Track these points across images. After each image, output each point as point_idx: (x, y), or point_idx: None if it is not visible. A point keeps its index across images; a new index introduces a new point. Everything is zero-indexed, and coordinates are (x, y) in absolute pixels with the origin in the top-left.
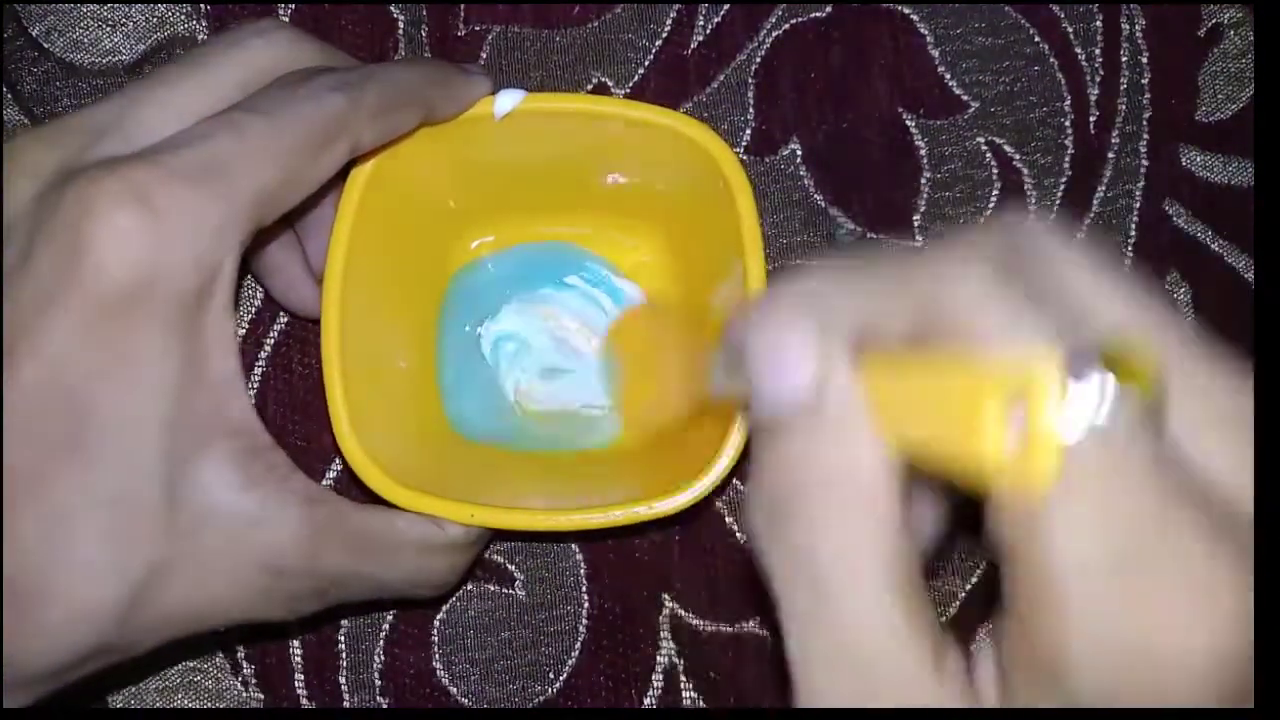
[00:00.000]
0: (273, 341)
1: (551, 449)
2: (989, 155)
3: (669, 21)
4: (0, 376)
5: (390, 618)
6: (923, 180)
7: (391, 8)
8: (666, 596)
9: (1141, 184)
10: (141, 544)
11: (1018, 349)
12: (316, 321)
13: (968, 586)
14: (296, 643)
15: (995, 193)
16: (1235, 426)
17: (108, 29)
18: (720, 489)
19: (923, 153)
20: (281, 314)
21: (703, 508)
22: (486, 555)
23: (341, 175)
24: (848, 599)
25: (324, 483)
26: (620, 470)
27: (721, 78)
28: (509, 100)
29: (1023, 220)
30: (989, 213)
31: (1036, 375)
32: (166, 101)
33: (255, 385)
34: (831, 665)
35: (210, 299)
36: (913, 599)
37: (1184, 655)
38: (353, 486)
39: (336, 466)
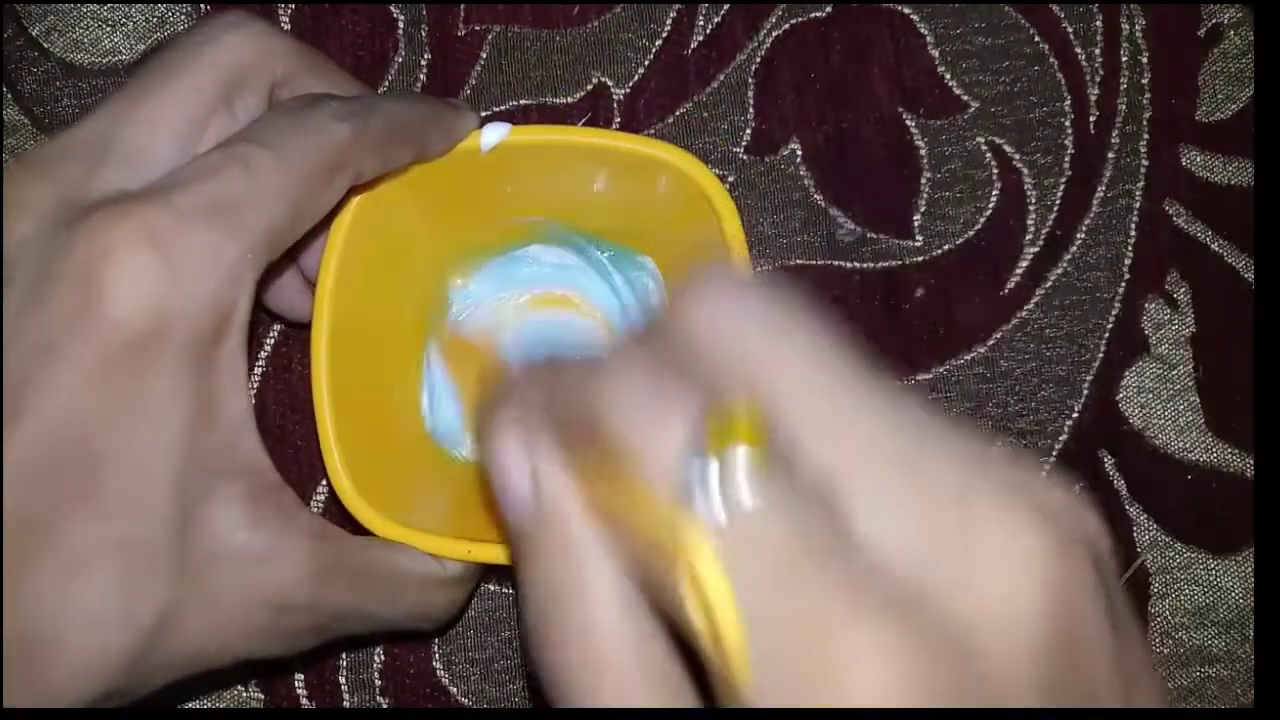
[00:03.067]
0: (273, 341)
1: None
2: (989, 155)
3: (669, 21)
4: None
5: None
6: (923, 180)
7: (391, 8)
8: None
9: (1141, 184)
10: (152, 590)
11: (651, 450)
12: (308, 325)
13: None
14: None
15: (995, 193)
16: (884, 475)
17: (108, 29)
18: None
19: (923, 153)
20: None
21: None
22: None
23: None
24: (589, 694)
25: (321, 486)
26: None
27: (721, 78)
28: (494, 134)
29: (679, 297)
30: (989, 213)
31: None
32: (154, 117)
33: (255, 385)
34: None
35: (225, 340)
36: (661, 688)
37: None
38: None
39: None
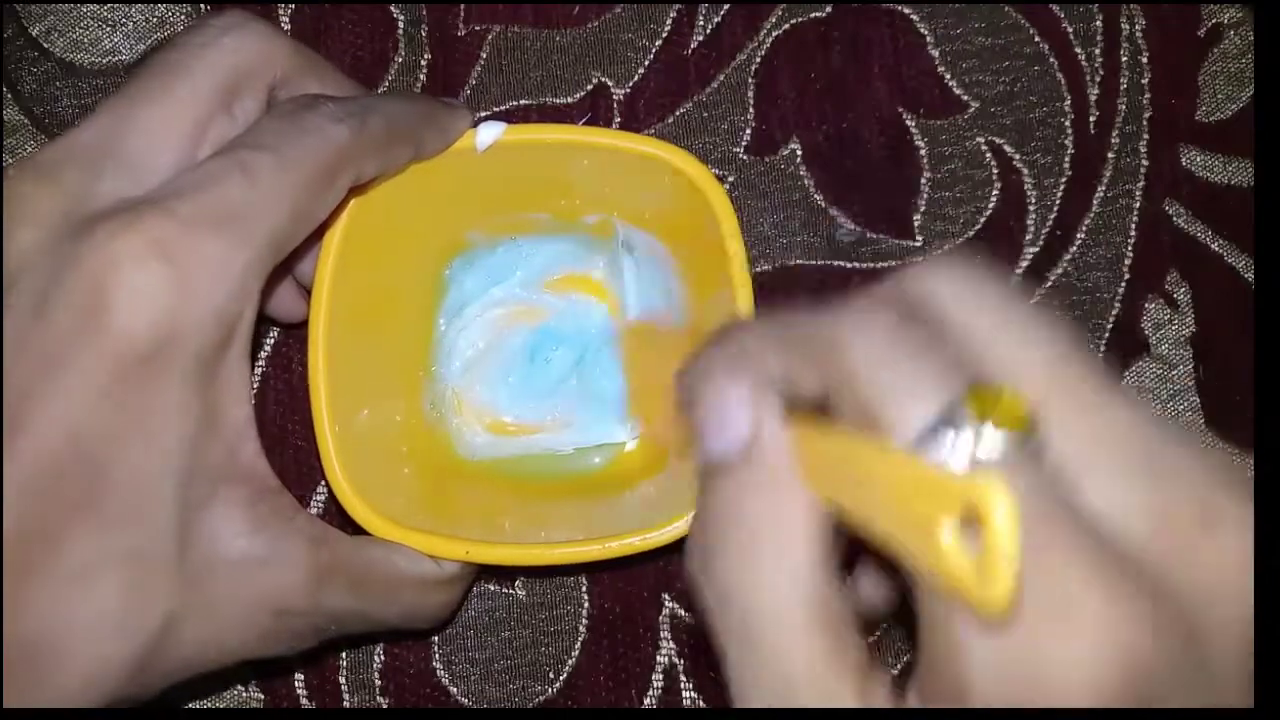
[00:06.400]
0: (272, 341)
1: (550, 472)
2: (989, 155)
3: (669, 21)
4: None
5: None
6: (923, 180)
7: (391, 8)
8: (666, 596)
9: (1141, 184)
10: (155, 598)
11: (907, 416)
12: (304, 325)
13: None
14: None
15: (995, 193)
16: (1124, 463)
17: (108, 29)
18: None
19: (923, 153)
20: None
21: None
22: None
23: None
24: (769, 633)
25: (320, 487)
26: (620, 493)
27: (721, 78)
28: (490, 134)
29: (925, 269)
30: (989, 213)
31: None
32: (155, 121)
33: (255, 385)
34: (760, 694)
35: (230, 350)
36: (835, 635)
37: (1067, 687)
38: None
39: None
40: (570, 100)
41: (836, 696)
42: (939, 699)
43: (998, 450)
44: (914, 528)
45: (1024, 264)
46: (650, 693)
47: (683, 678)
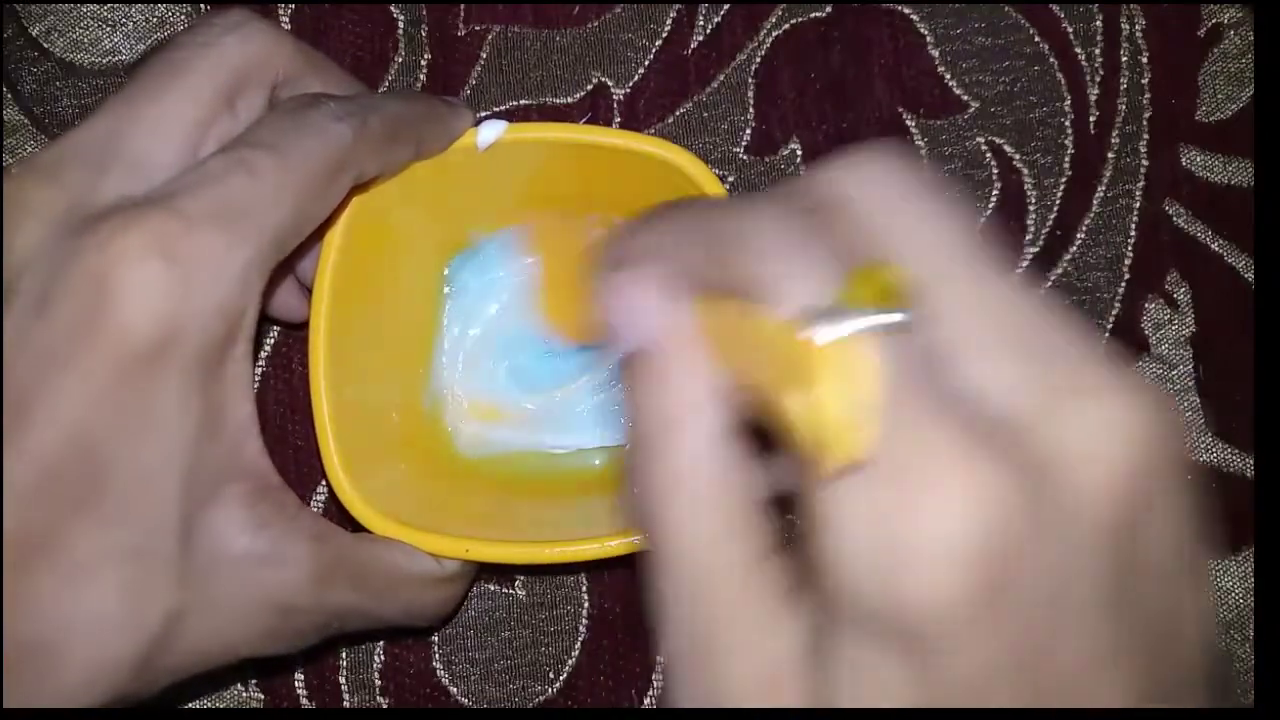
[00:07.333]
0: (272, 341)
1: (550, 471)
2: (989, 155)
3: (669, 21)
4: (4, 436)
5: None
6: None
7: (391, 8)
8: None
9: (1141, 184)
10: (158, 595)
11: (792, 298)
12: (305, 325)
13: None
14: None
15: (995, 193)
16: (1002, 340)
17: (108, 29)
18: None
19: (923, 153)
20: None
21: None
22: None
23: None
24: (675, 506)
25: (321, 486)
26: (620, 493)
27: (721, 78)
28: (491, 132)
29: (839, 164)
30: (989, 213)
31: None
32: (157, 120)
33: (255, 385)
34: (666, 575)
35: (233, 348)
36: (738, 511)
37: (930, 544)
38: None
39: None
40: (570, 100)
41: (729, 564)
42: (812, 573)
43: (869, 325)
44: (789, 393)
45: (1024, 264)
46: (650, 693)
47: None
